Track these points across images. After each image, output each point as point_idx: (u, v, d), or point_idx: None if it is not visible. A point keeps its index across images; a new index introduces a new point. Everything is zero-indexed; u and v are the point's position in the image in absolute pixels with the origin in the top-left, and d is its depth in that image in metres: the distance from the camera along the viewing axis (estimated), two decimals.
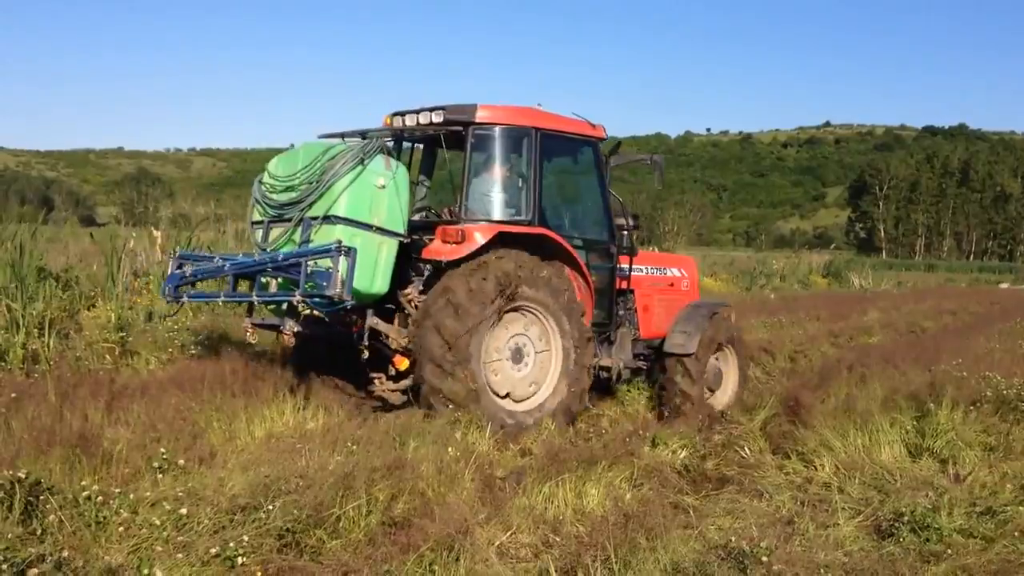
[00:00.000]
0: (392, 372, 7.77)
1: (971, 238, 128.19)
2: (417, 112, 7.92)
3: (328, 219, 6.89)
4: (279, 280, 7.04)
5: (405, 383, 7.72)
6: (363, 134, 7.72)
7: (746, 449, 7.27)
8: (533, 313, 7.68)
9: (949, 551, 4.83)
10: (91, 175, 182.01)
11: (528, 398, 7.75)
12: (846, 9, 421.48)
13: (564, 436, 7.49)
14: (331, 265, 6.53)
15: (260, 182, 7.47)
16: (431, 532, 4.57)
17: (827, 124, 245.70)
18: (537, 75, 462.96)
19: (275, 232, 7.27)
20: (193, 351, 9.44)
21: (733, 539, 4.74)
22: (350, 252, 6.61)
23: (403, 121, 8.03)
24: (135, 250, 13.59)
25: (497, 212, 7.84)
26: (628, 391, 9.31)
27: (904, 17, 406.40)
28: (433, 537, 4.54)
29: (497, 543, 4.85)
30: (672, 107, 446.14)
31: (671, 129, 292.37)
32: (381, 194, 7.12)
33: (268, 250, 7.15)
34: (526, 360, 7.76)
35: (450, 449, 6.01)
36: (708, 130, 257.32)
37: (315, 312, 7.47)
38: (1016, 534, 4.88)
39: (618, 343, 8.74)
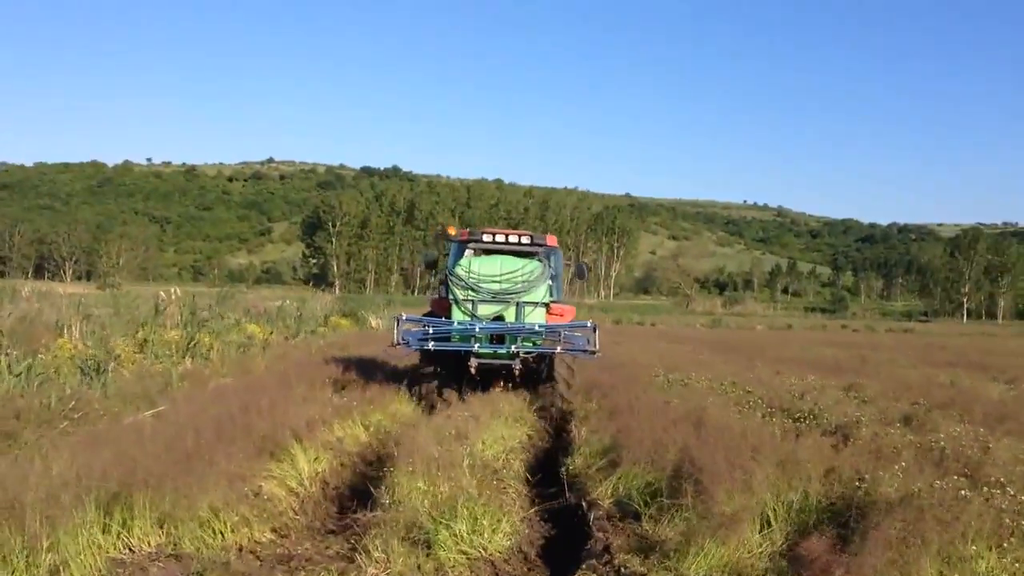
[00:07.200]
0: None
1: (415, 273, 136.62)
2: (506, 233, 14.36)
3: (538, 304, 13.11)
4: (520, 339, 12.78)
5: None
6: (473, 238, 14.37)
7: None
8: None
9: None
10: None
11: None
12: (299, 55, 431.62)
13: None
14: (582, 335, 13.14)
15: (460, 276, 12.99)
16: None
17: (271, 160, 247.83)
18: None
19: (483, 307, 13.00)
20: None
21: None
22: (596, 328, 12.99)
23: (493, 237, 14.24)
24: None
25: (553, 296, 13.97)
26: None
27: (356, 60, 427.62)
28: None
29: None
30: (109, 133, 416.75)
31: (109, 157, 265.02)
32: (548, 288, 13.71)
33: (484, 321, 12.91)
34: None
35: None
36: (149, 160, 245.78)
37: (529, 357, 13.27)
38: None
39: None
